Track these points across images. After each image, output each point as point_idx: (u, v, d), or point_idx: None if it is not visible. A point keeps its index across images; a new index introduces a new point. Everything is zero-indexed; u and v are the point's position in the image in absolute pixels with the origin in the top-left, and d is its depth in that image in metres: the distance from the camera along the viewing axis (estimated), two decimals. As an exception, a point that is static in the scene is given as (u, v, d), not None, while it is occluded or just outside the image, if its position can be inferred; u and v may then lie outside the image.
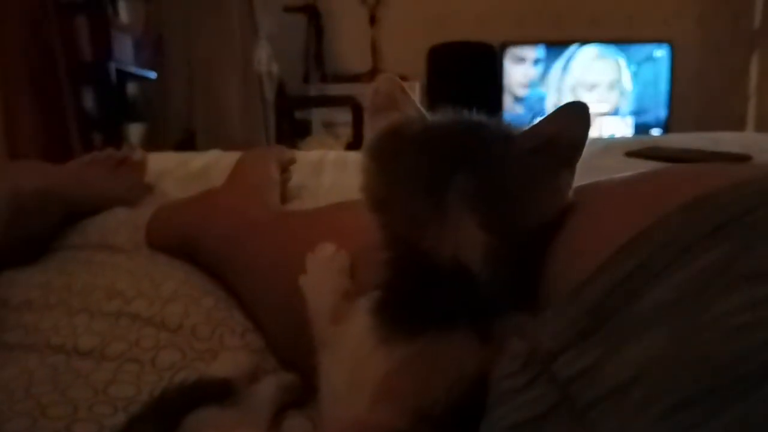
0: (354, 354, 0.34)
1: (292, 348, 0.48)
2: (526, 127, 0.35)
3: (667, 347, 0.21)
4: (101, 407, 0.44)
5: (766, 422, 0.17)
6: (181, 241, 0.68)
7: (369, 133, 0.37)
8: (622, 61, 3.03)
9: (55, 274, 0.63)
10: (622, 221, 0.28)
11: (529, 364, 0.25)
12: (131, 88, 2.54)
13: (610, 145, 1.31)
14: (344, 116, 2.78)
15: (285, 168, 0.89)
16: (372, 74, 2.91)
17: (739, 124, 3.08)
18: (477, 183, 0.32)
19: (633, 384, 0.20)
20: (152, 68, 2.52)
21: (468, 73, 2.97)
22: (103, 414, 0.43)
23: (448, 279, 0.32)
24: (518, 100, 3.04)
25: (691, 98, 3.09)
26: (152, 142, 2.48)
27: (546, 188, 0.34)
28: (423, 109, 0.37)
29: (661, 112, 3.06)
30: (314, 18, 2.94)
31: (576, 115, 0.34)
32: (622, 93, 3.06)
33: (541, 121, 0.34)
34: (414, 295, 0.33)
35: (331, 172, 1.09)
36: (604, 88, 3.06)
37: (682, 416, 0.18)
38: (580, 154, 0.34)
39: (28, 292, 0.59)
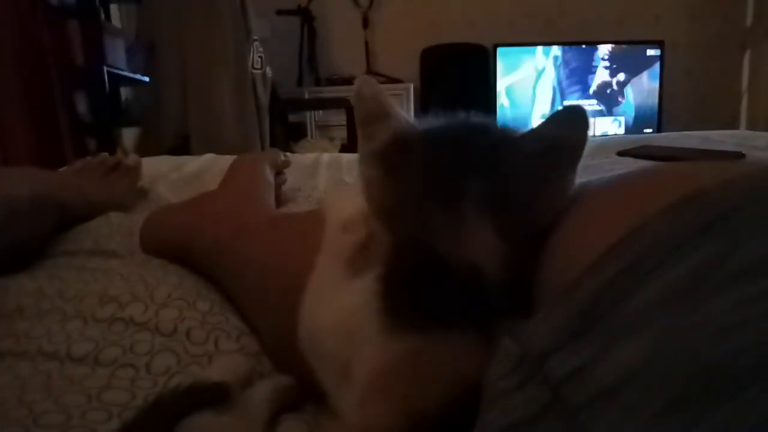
0: (348, 329, 0.33)
1: (288, 351, 0.48)
2: (526, 131, 0.35)
3: (658, 347, 0.21)
4: (95, 414, 0.43)
5: (758, 422, 0.17)
6: (175, 244, 0.67)
7: (362, 139, 0.36)
8: (614, 62, 3.04)
9: (48, 281, 0.63)
10: (614, 220, 0.28)
11: (522, 364, 0.25)
12: (124, 92, 2.54)
13: (603, 144, 1.31)
14: (338, 118, 2.79)
15: (279, 171, 0.89)
16: (365, 76, 2.91)
17: (731, 123, 3.10)
18: (491, 187, 0.32)
19: (624, 385, 0.20)
20: (145, 72, 2.51)
21: (461, 74, 2.98)
22: (97, 421, 0.43)
23: (461, 283, 0.31)
24: (511, 100, 3.05)
25: (683, 97, 3.11)
26: (146, 147, 2.47)
27: (554, 191, 0.34)
28: (405, 113, 0.37)
29: (653, 111, 3.07)
30: (307, 21, 2.94)
31: (576, 117, 0.34)
32: (614, 93, 3.07)
33: (541, 125, 0.34)
34: (422, 294, 0.32)
35: (325, 174, 1.09)
36: (597, 88, 3.07)
37: (674, 417, 0.18)
38: (581, 156, 0.34)
39: (21, 298, 0.59)
